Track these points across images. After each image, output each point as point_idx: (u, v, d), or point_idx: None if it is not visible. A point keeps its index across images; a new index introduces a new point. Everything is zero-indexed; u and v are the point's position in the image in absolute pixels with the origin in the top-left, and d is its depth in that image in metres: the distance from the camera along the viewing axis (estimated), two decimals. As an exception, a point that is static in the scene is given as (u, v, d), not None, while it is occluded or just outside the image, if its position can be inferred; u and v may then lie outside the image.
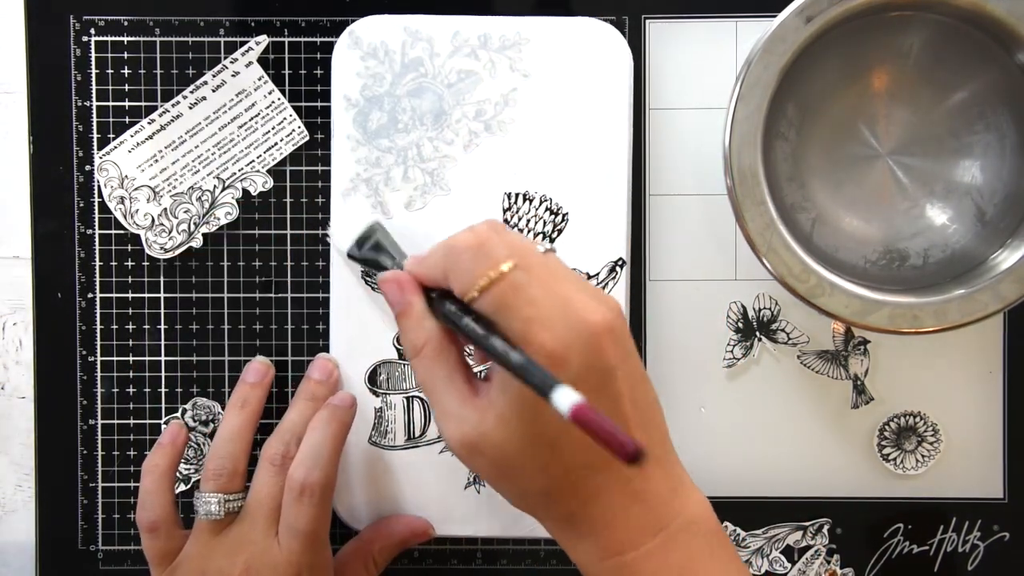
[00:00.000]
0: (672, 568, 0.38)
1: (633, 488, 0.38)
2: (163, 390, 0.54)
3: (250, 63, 0.52)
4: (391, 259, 0.48)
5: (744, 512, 0.54)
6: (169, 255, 0.53)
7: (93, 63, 0.53)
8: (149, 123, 0.52)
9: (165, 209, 0.53)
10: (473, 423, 0.38)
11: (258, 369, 0.52)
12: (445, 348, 0.40)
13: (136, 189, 0.53)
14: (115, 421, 0.54)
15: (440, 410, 0.40)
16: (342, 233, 0.51)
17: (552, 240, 0.52)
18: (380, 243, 0.49)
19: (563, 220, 0.52)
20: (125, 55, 0.53)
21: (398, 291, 0.41)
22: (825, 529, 0.54)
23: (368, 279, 0.52)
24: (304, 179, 0.53)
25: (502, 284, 0.37)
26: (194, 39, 0.53)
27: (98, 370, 0.53)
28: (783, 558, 0.54)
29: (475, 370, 0.42)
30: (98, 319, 0.53)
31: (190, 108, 0.52)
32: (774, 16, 0.46)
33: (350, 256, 0.50)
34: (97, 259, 0.53)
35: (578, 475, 0.38)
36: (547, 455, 0.38)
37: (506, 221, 0.52)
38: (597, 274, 0.52)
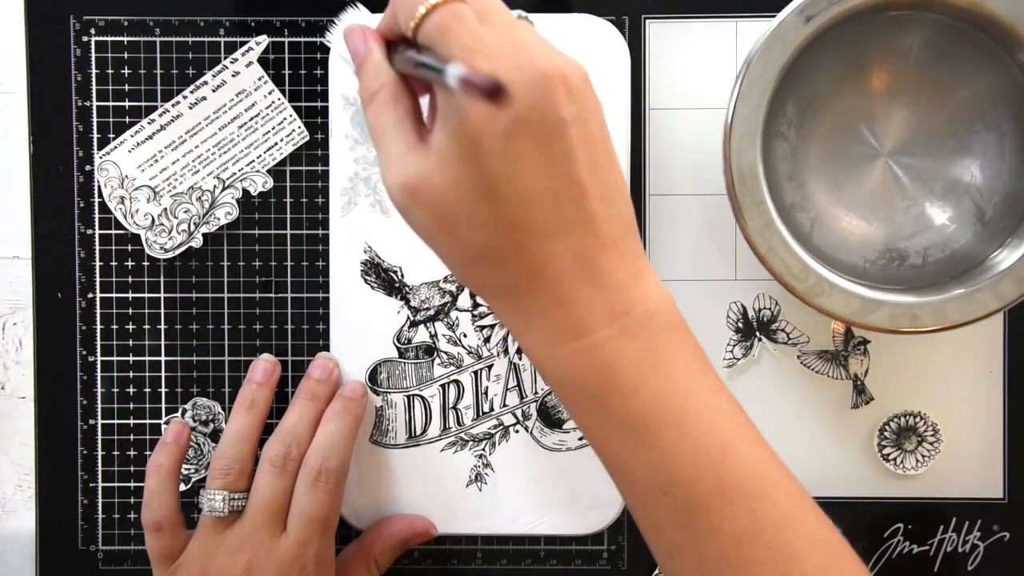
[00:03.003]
0: (630, 358, 0.36)
1: (586, 266, 0.36)
2: (163, 390, 0.54)
3: (250, 63, 0.52)
4: None
5: (744, 512, 0.54)
6: (169, 255, 0.53)
7: (93, 63, 0.53)
8: (149, 123, 0.52)
9: (165, 209, 0.53)
10: (414, 166, 0.37)
11: (265, 368, 0.52)
12: (399, 95, 0.38)
13: (136, 189, 0.53)
14: (115, 421, 0.54)
15: (384, 156, 0.38)
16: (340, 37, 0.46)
17: None
18: None
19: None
20: (125, 55, 0.53)
21: (361, 40, 0.40)
22: (825, 529, 0.54)
23: (367, 278, 0.52)
24: (304, 179, 0.53)
25: (442, 10, 0.35)
26: (194, 39, 0.53)
27: (98, 370, 0.53)
28: (783, 558, 0.54)
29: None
30: (98, 319, 0.53)
31: (190, 108, 0.52)
32: (774, 16, 0.46)
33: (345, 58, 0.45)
34: (97, 259, 0.53)
35: (523, 235, 0.36)
36: (489, 206, 0.36)
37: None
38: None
